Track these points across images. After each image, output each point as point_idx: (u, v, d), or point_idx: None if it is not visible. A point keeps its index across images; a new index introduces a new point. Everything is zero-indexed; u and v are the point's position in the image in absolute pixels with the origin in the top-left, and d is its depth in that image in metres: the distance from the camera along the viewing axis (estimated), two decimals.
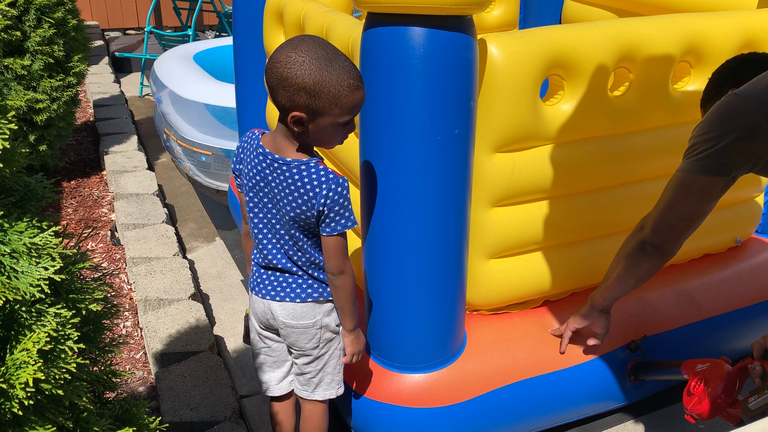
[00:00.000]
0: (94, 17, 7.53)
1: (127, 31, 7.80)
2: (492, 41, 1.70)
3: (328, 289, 1.62)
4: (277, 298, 1.62)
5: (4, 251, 0.98)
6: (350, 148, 1.99)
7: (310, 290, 1.61)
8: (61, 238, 1.06)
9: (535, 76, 1.74)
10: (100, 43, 6.82)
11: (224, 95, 3.52)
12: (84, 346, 1.12)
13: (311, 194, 1.46)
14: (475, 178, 1.79)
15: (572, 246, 2.07)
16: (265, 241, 1.60)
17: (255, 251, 1.66)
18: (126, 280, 2.97)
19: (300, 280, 1.61)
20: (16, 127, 1.03)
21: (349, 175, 2.12)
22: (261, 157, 1.52)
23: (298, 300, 1.61)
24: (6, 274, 0.97)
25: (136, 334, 2.62)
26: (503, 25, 3.23)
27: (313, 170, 1.46)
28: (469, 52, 1.54)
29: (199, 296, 2.86)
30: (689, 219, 1.64)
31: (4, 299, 0.96)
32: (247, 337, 1.84)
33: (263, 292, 1.65)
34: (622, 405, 2.16)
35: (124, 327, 2.66)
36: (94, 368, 1.27)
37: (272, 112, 2.75)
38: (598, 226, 2.08)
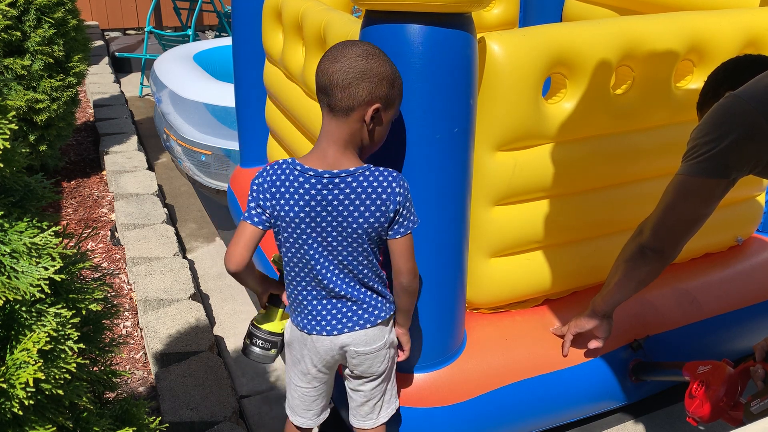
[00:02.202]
0: (94, 17, 7.53)
1: (127, 31, 7.80)
2: (494, 39, 1.69)
3: (388, 304, 1.57)
4: (345, 330, 1.53)
5: (4, 251, 0.98)
6: None
7: (376, 311, 1.54)
8: (61, 238, 1.06)
9: (537, 75, 1.74)
10: (100, 43, 6.82)
11: (224, 95, 3.52)
12: (84, 346, 1.12)
13: (384, 196, 1.42)
14: (477, 177, 1.79)
15: (573, 245, 2.07)
16: (324, 271, 1.49)
17: (300, 288, 1.54)
18: (126, 280, 2.97)
19: (365, 305, 1.53)
20: (16, 127, 1.03)
21: None
22: (313, 181, 1.43)
23: (368, 325, 1.54)
24: (6, 274, 0.97)
25: (136, 334, 2.62)
26: (503, 23, 3.23)
27: (377, 173, 1.43)
28: (469, 50, 1.53)
29: (199, 296, 2.86)
30: (689, 222, 1.63)
31: (4, 299, 0.96)
32: (247, 348, 1.71)
33: (328, 328, 1.54)
34: (622, 405, 2.15)
35: (124, 327, 2.66)
36: (94, 368, 1.27)
37: (271, 112, 2.75)
38: (600, 224, 2.08)
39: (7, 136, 0.98)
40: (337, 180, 1.42)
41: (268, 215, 1.48)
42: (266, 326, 1.68)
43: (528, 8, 3.34)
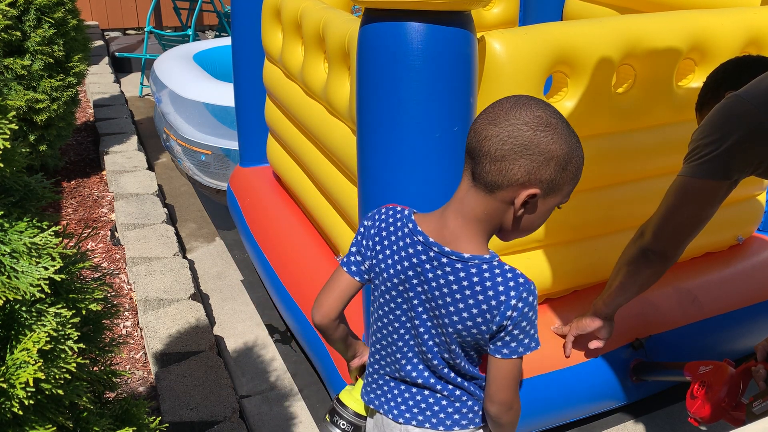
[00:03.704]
0: (94, 17, 7.53)
1: (127, 31, 7.79)
2: (495, 37, 1.69)
3: (481, 413, 1.26)
4: (413, 422, 1.26)
5: (4, 251, 0.97)
6: (347, 143, 1.99)
7: (457, 415, 1.24)
8: (61, 238, 1.05)
9: (538, 73, 1.73)
10: (100, 43, 6.81)
11: (224, 95, 3.52)
12: (84, 346, 1.11)
13: (493, 303, 1.10)
14: None
15: (574, 244, 2.07)
16: (399, 355, 1.24)
17: (377, 358, 1.29)
18: (126, 280, 2.97)
19: (444, 402, 1.24)
20: (17, 127, 1.03)
21: (347, 172, 2.12)
22: (420, 248, 1.15)
23: (442, 428, 1.25)
24: (6, 273, 0.97)
25: (136, 334, 2.62)
26: (503, 23, 3.23)
27: (497, 271, 1.11)
28: (468, 48, 1.53)
29: (199, 296, 2.86)
30: (691, 224, 1.62)
31: (4, 299, 0.96)
32: (326, 427, 1.44)
33: (395, 412, 1.28)
34: (623, 405, 2.15)
35: (124, 327, 2.66)
36: (94, 368, 1.27)
37: (271, 112, 2.75)
38: (601, 223, 2.08)
39: (7, 136, 0.98)
40: (444, 260, 1.13)
41: (366, 267, 1.24)
42: (353, 405, 1.43)
43: (528, 7, 3.34)
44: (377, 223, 1.23)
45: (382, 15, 1.49)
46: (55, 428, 1.00)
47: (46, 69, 3.47)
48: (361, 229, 1.26)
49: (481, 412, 1.25)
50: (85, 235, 3.11)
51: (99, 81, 5.61)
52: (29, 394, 0.95)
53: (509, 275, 1.11)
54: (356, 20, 1.86)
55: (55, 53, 3.46)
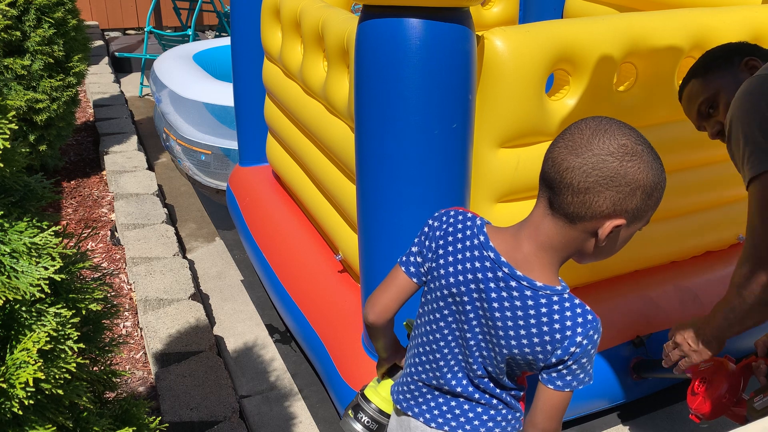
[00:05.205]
0: (94, 17, 7.52)
1: (127, 31, 7.79)
2: (497, 35, 1.69)
3: (514, 422, 1.25)
4: (447, 428, 1.24)
5: (4, 251, 0.97)
6: (346, 142, 1.99)
7: (491, 423, 1.23)
8: (61, 238, 1.05)
9: (540, 71, 1.73)
10: (100, 43, 6.81)
11: (224, 95, 3.52)
12: (84, 346, 1.11)
13: (558, 336, 1.07)
14: (479, 174, 1.78)
15: None
16: (442, 363, 1.22)
17: (415, 363, 1.27)
18: (126, 280, 2.96)
19: (479, 409, 1.23)
20: (16, 127, 1.03)
21: (346, 171, 2.12)
22: (488, 264, 1.12)
23: None
24: (6, 273, 0.97)
25: (136, 334, 2.62)
26: (503, 22, 3.22)
27: (567, 305, 1.08)
28: (467, 45, 1.53)
29: (199, 296, 2.85)
30: None
31: (4, 299, 0.95)
32: (349, 421, 1.42)
33: (426, 416, 1.26)
34: (623, 402, 2.15)
35: (124, 327, 2.66)
36: (94, 368, 1.27)
37: (270, 111, 2.75)
38: None
39: (7, 136, 0.98)
40: (513, 283, 1.09)
41: (425, 269, 1.21)
42: (378, 402, 1.42)
43: (528, 6, 3.34)
44: (444, 226, 1.19)
45: (381, 12, 1.48)
46: (55, 428, 1.00)
47: (46, 69, 3.47)
48: (425, 228, 1.22)
49: (513, 422, 1.24)
50: (85, 235, 3.10)
51: (99, 81, 5.61)
52: (29, 394, 0.95)
53: (578, 311, 1.08)
54: (355, 19, 1.86)
55: (55, 53, 3.46)
